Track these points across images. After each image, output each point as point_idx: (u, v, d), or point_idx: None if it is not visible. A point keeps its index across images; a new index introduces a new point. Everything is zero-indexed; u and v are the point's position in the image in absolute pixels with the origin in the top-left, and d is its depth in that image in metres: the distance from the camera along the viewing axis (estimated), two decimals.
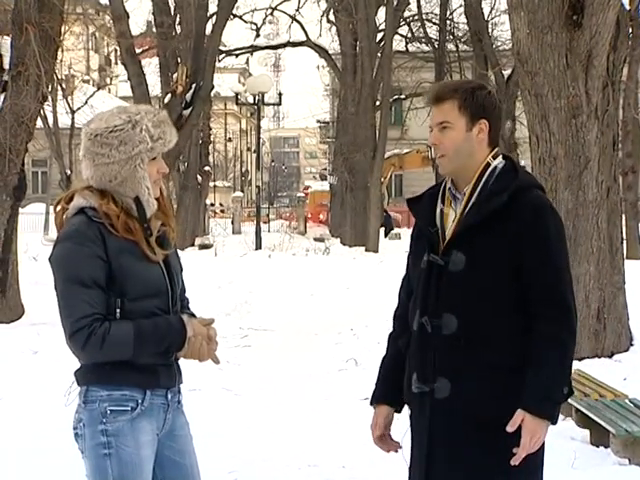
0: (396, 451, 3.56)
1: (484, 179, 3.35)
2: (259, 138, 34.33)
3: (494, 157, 3.39)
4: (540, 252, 3.26)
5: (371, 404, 3.61)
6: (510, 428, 3.16)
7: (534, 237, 3.25)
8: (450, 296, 3.29)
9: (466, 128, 3.33)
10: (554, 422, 3.24)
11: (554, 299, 3.26)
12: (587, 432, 6.92)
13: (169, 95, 25.99)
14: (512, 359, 3.25)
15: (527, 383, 3.20)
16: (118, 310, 3.29)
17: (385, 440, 3.57)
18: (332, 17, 36.91)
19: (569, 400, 7.04)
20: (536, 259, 3.26)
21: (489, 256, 3.26)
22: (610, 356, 9.54)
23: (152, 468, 3.40)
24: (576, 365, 8.62)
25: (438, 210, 3.41)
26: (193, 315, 3.59)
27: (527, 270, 3.26)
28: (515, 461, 3.19)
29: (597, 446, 6.71)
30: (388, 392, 3.54)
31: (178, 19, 28.95)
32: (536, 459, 3.30)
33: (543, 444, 3.29)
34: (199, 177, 35.16)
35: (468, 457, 3.27)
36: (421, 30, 37.61)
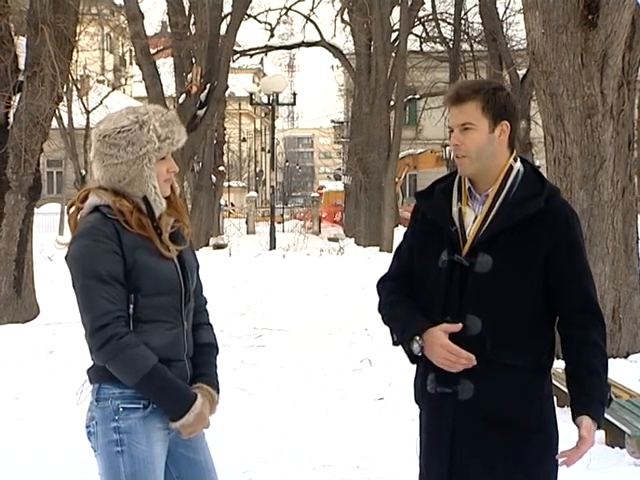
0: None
1: (509, 182, 3.33)
2: (273, 138, 34.37)
3: (514, 160, 3.38)
4: (574, 260, 3.28)
5: (413, 335, 3.31)
6: (587, 434, 3.19)
7: (567, 245, 3.26)
8: (475, 298, 3.26)
9: (489, 130, 3.31)
10: (600, 427, 3.28)
11: (590, 306, 3.30)
12: (602, 433, 6.89)
13: (184, 95, 26.04)
14: (535, 361, 3.26)
15: (582, 390, 3.24)
16: (131, 306, 3.31)
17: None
18: (346, 17, 36.90)
19: None
20: (571, 267, 3.27)
21: (518, 260, 3.24)
22: (625, 356, 9.51)
23: (164, 465, 3.42)
24: None
25: (456, 209, 3.38)
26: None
27: (562, 277, 3.26)
28: (569, 464, 3.25)
29: (612, 447, 6.69)
30: (426, 321, 3.31)
31: (193, 19, 29.00)
32: (554, 461, 3.31)
33: (558, 444, 3.32)
34: (213, 177, 35.23)
35: (491, 459, 3.27)
36: (435, 30, 37.53)
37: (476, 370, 3.25)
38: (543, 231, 3.24)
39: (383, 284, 3.56)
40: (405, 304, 3.41)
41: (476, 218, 3.33)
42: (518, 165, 3.37)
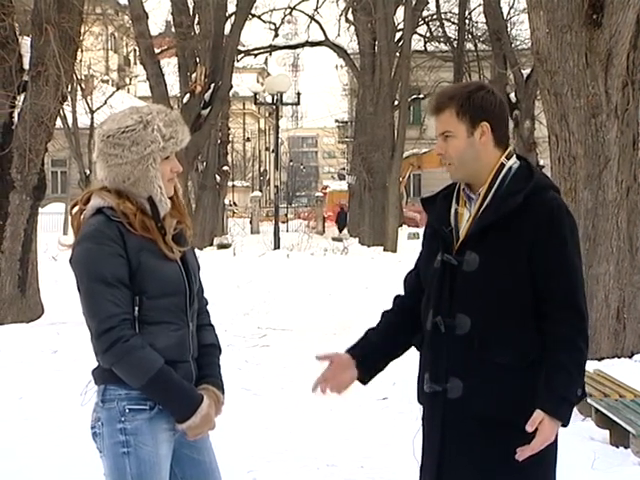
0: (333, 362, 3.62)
1: (499, 180, 3.33)
2: (277, 138, 34.32)
3: (508, 157, 3.37)
4: (556, 255, 3.25)
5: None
6: (530, 428, 3.15)
7: (550, 239, 3.24)
8: (464, 296, 3.28)
9: (467, 134, 3.31)
10: (566, 424, 3.25)
11: (569, 303, 3.25)
12: (607, 432, 6.89)
13: (188, 95, 26.10)
14: (525, 360, 3.25)
15: (544, 385, 3.20)
16: (137, 308, 3.30)
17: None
18: (351, 17, 36.91)
19: (588, 400, 7.04)
20: (552, 262, 3.24)
21: (503, 257, 3.25)
22: (630, 356, 9.49)
23: (170, 466, 3.42)
24: (596, 365, 8.60)
25: (452, 210, 3.41)
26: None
27: (542, 272, 3.24)
28: (520, 457, 3.19)
29: (617, 446, 6.68)
30: (355, 349, 3.62)
31: (197, 19, 29.01)
32: (549, 459, 3.30)
33: (557, 444, 3.30)
34: (217, 177, 35.26)
35: (480, 457, 3.27)
36: (440, 29, 37.55)
37: (466, 368, 3.26)
38: (526, 226, 3.24)
39: (394, 299, 3.70)
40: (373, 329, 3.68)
41: (470, 218, 3.35)
42: (511, 162, 3.37)
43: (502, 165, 3.35)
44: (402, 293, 3.65)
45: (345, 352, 3.60)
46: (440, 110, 3.34)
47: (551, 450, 3.28)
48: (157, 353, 3.28)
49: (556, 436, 3.29)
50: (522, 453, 3.18)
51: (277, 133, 34.29)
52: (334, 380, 3.59)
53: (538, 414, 3.16)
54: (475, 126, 3.30)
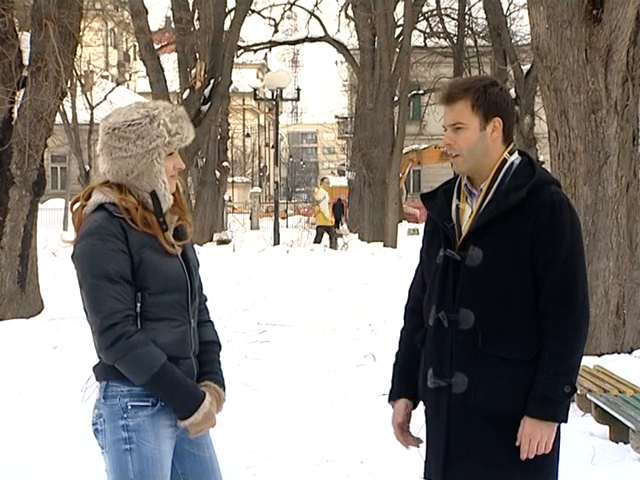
0: (417, 446, 3.55)
1: (501, 175, 3.34)
2: (277, 134, 34.26)
3: (510, 153, 3.38)
4: (553, 249, 3.25)
5: (389, 401, 3.60)
6: (519, 434, 3.22)
7: (549, 233, 3.25)
8: (467, 291, 3.29)
9: (480, 128, 3.32)
10: (562, 421, 3.25)
11: (562, 297, 3.25)
12: (606, 428, 6.90)
13: (187, 91, 26.05)
14: (529, 354, 3.25)
15: (532, 384, 3.22)
16: (139, 304, 3.30)
17: (405, 435, 3.56)
18: (350, 12, 36.89)
19: (588, 396, 7.04)
20: (548, 256, 3.25)
21: (506, 251, 3.26)
22: (630, 352, 9.51)
23: (171, 463, 3.42)
24: (595, 361, 8.61)
25: (454, 206, 3.41)
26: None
27: (543, 267, 3.25)
28: (522, 457, 3.22)
29: (616, 442, 6.69)
30: (405, 387, 3.53)
31: (197, 15, 28.98)
32: (552, 454, 3.30)
33: (559, 438, 3.31)
34: (217, 173, 35.27)
35: (486, 452, 3.27)
36: (439, 25, 37.56)
37: (470, 363, 3.27)
38: (529, 220, 3.25)
39: (404, 318, 3.61)
40: (400, 361, 3.56)
41: (472, 213, 3.35)
42: (513, 158, 3.38)
43: (504, 160, 3.36)
44: (411, 304, 3.59)
45: (399, 395, 3.53)
46: (453, 100, 3.33)
47: (555, 445, 3.29)
48: (160, 349, 3.28)
49: (558, 431, 3.30)
50: (523, 453, 3.21)
51: (277, 129, 34.23)
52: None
53: (527, 421, 3.21)
54: (488, 121, 3.31)
